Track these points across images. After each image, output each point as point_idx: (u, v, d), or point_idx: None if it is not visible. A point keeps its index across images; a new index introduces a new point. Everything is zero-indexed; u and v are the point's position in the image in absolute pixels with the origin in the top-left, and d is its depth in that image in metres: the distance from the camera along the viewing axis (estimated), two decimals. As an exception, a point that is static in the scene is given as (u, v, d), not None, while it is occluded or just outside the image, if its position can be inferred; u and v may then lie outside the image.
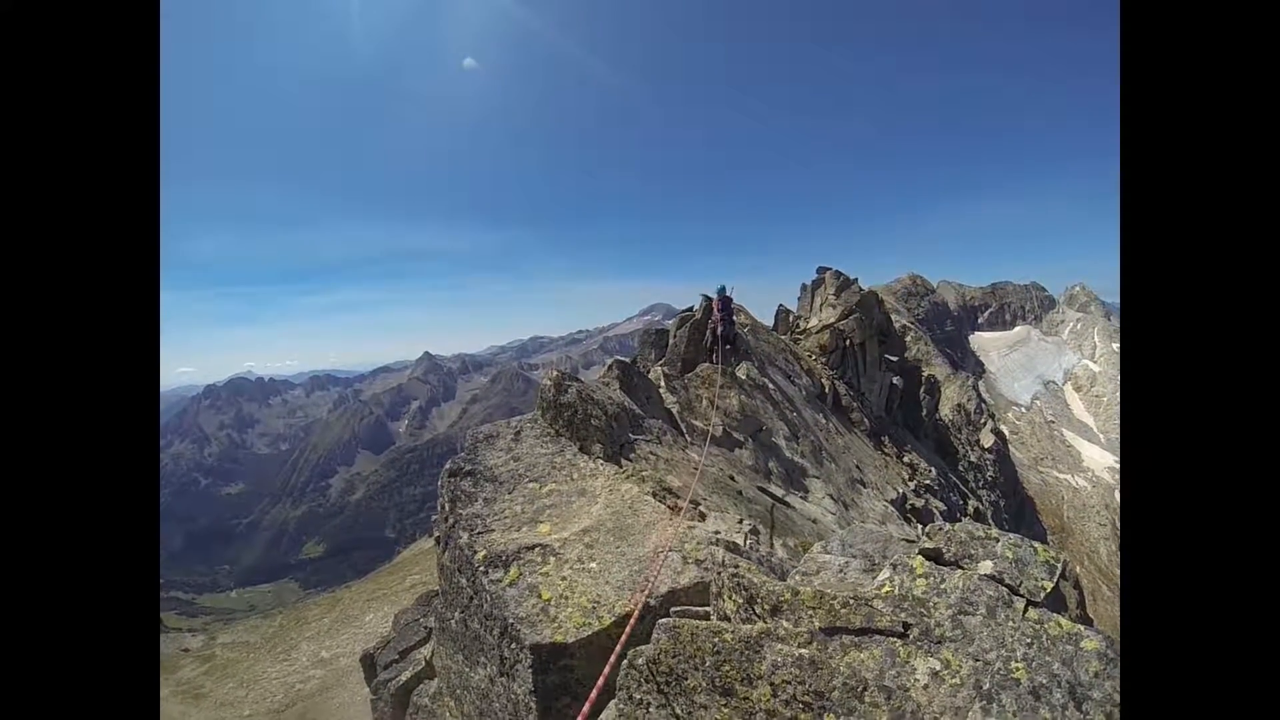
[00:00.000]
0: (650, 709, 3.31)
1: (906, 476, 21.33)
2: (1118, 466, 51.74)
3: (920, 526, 15.51)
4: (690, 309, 17.25)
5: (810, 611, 3.35)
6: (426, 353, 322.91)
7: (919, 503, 19.49)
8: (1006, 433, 50.48)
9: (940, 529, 3.98)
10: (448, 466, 6.76)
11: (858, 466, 16.71)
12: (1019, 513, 40.56)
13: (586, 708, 3.04)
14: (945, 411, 40.53)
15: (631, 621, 4.22)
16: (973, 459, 37.61)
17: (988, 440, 41.67)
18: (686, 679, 3.22)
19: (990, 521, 29.29)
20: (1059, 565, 3.70)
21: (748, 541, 5.95)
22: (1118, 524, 45.80)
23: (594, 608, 4.80)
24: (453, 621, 5.88)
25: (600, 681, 3.39)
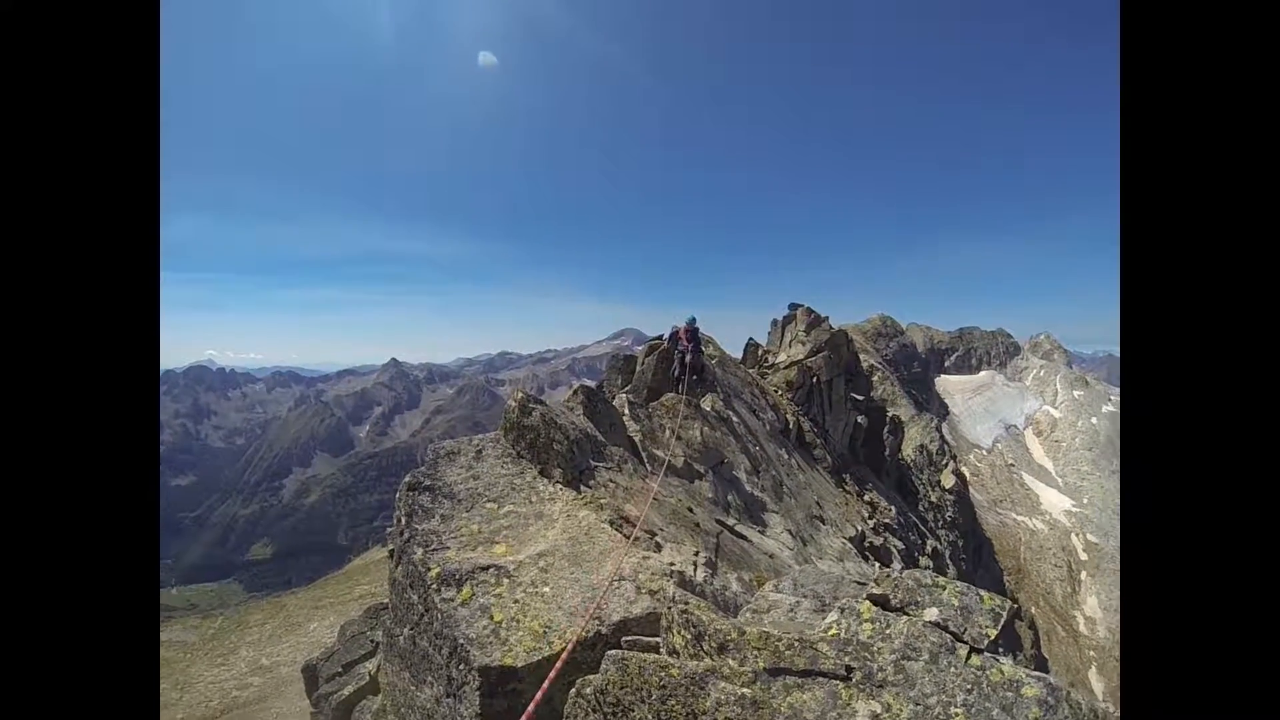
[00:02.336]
0: (595, 739, 3.32)
1: (866, 514, 21.53)
2: (1074, 510, 52.90)
3: (878, 565, 15.66)
4: (660, 337, 17.33)
5: (755, 651, 3.40)
6: (394, 359, 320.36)
7: (878, 541, 19.67)
8: (967, 474, 51.34)
9: (888, 576, 4.07)
10: (407, 480, 6.71)
11: (818, 503, 16.86)
12: (977, 553, 41.16)
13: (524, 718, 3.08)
14: (908, 451, 41.15)
15: (571, 644, 4.27)
16: (933, 499, 38.17)
17: (948, 481, 42.31)
18: (633, 711, 3.24)
19: (949, 561, 29.66)
20: (1004, 613, 3.79)
21: (702, 574, 5.98)
22: (1074, 565, 46.74)
23: (545, 632, 4.79)
24: (401, 638, 5.80)
25: (539, 694, 3.46)
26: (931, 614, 3.74)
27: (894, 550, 20.18)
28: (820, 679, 3.25)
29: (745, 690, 3.18)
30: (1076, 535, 50.03)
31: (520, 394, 8.33)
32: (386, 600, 6.90)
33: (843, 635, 3.58)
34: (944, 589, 3.96)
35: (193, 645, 21.90)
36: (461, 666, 4.67)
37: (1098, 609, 43.62)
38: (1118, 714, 2.97)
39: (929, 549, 27.37)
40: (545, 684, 3.70)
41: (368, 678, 10.14)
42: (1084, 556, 48.01)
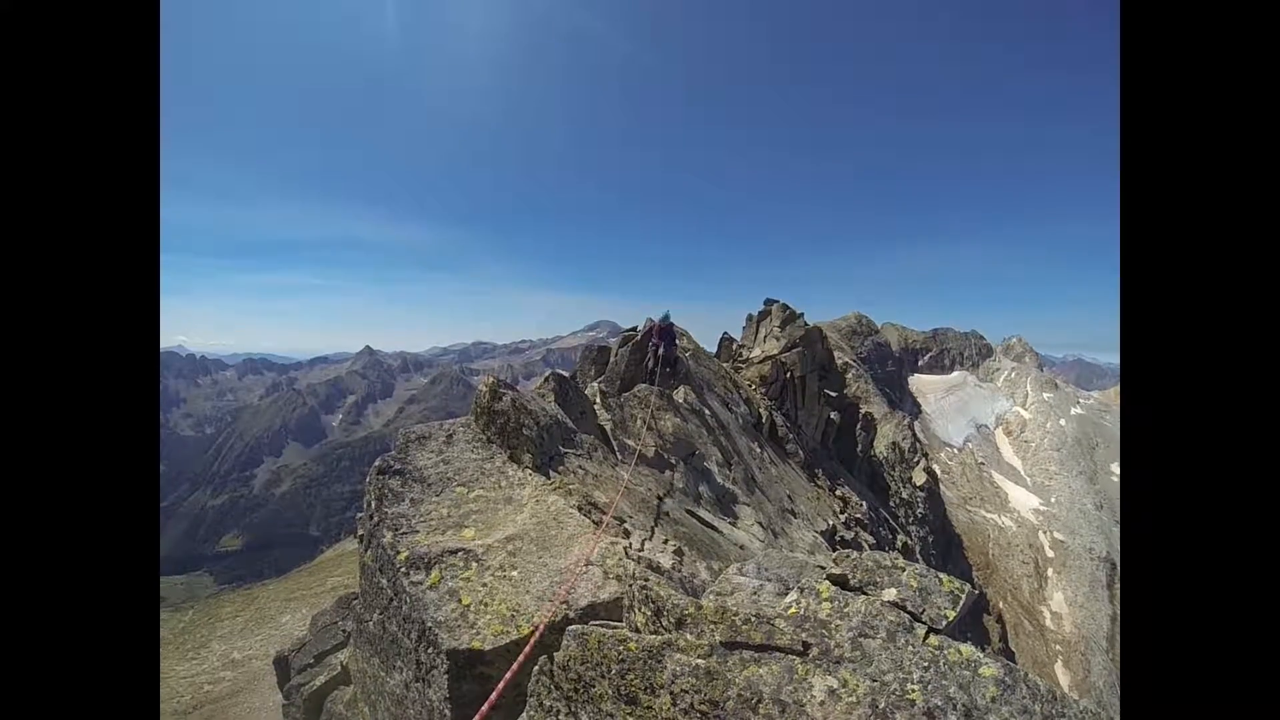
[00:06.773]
0: (560, 716, 3.37)
1: (838, 509, 21.78)
2: (1041, 508, 54.09)
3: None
4: (634, 329, 17.27)
5: (712, 625, 3.47)
6: (368, 347, 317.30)
7: (849, 535, 19.91)
8: (938, 472, 52.17)
9: (847, 556, 4.16)
10: (377, 464, 6.70)
11: (789, 497, 17.02)
12: (946, 549, 41.89)
13: (493, 696, 3.12)
14: (880, 448, 41.67)
15: (541, 627, 4.32)
16: (904, 496, 38.76)
17: (920, 478, 42.96)
18: (594, 686, 3.29)
19: (919, 556, 30.13)
20: (963, 595, 3.87)
21: (671, 561, 6.04)
22: (1040, 562, 47.79)
23: (513, 616, 4.82)
24: (371, 623, 5.80)
25: (508, 675, 3.50)
26: (890, 594, 3.83)
27: (865, 545, 20.44)
28: (776, 654, 3.32)
29: (701, 662, 3.24)
30: (1043, 533, 51.18)
31: (491, 379, 8.33)
32: (358, 590, 6.90)
33: (801, 613, 3.66)
34: (903, 570, 4.05)
35: (163, 640, 21.57)
36: (430, 650, 4.69)
37: (1063, 604, 44.66)
38: (1079, 701, 3.05)
39: (899, 544, 27.77)
40: (514, 667, 3.74)
41: (339, 668, 10.08)
42: (1050, 554, 49.12)
